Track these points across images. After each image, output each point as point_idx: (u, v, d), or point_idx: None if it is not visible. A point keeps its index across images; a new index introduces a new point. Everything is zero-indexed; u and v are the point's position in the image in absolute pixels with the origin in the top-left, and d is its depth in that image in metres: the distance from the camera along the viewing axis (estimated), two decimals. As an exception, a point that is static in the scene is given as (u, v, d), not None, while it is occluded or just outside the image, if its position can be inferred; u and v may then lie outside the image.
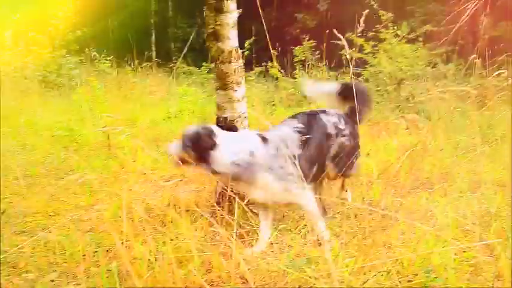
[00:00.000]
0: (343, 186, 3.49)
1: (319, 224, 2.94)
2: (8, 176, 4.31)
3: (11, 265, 2.67)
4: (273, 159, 2.90)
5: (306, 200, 2.97)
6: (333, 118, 3.26)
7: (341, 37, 3.75)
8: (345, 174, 3.31)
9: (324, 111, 3.32)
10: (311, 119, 3.20)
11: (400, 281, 2.23)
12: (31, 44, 9.71)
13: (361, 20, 6.14)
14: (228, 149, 2.84)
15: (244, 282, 2.42)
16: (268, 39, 4.17)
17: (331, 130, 3.20)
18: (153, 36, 15.07)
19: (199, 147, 2.84)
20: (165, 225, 2.88)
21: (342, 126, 3.25)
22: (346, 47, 3.78)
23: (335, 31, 3.93)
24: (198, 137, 2.85)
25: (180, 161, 2.89)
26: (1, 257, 2.69)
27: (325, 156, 3.18)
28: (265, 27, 4.00)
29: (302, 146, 3.02)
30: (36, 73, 8.95)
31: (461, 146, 5.05)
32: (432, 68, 8.13)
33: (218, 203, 3.31)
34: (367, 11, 6.22)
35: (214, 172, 2.87)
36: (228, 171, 2.84)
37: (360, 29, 6.11)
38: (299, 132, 3.06)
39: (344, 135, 3.24)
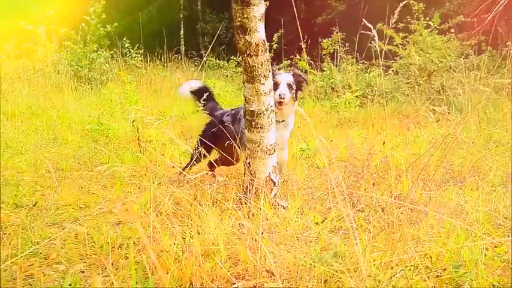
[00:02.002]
0: None
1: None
2: (41, 169, 4.41)
3: (43, 256, 2.72)
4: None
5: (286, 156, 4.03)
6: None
7: (371, 27, 3.74)
8: None
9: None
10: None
11: (428, 276, 2.20)
12: (63, 39, 9.87)
13: (396, 11, 6.05)
14: None
15: (270, 276, 2.42)
16: (300, 32, 4.19)
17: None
18: (182, 31, 15.14)
19: None
20: (192, 219, 2.90)
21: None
22: (376, 37, 3.82)
23: (365, 21, 3.90)
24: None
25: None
26: (33, 248, 2.75)
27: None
28: (297, 20, 4.03)
29: None
30: (69, 68, 9.10)
31: (494, 139, 4.94)
32: (464, 59, 7.96)
33: (245, 197, 3.32)
34: (404, 2, 6.13)
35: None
36: None
37: (393, 20, 6.00)
38: None
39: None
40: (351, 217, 2.40)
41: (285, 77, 3.82)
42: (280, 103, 3.70)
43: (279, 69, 4.05)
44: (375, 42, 3.69)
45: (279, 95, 3.68)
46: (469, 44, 8.31)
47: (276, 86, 3.68)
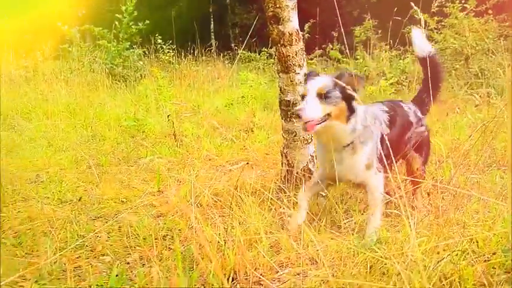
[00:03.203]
0: (415, 191, 3.16)
1: (377, 214, 2.73)
2: (82, 165, 4.50)
3: (89, 249, 2.79)
4: (366, 131, 2.73)
5: (377, 183, 2.78)
6: (412, 107, 3.19)
7: (418, 10, 3.58)
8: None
9: (400, 101, 3.29)
10: (394, 105, 3.11)
11: (476, 261, 2.15)
12: (97, 38, 10.03)
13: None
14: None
15: (313, 263, 2.41)
16: (339, 19, 4.16)
17: (412, 118, 3.12)
18: (212, 24, 15.19)
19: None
20: (232, 209, 2.92)
21: (420, 115, 3.18)
22: (422, 21, 3.60)
23: (412, 4, 3.77)
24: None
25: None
26: (79, 241, 2.82)
27: (405, 144, 3.07)
28: (336, 7, 3.99)
29: (389, 126, 2.90)
30: (103, 66, 9.25)
31: (538, 121, 4.80)
32: (504, 40, 7.74)
33: (284, 187, 3.32)
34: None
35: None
36: None
37: (435, 4, 5.85)
38: (386, 112, 2.96)
39: (422, 125, 3.18)
40: (399, 202, 2.36)
41: (317, 83, 2.67)
42: (307, 125, 2.59)
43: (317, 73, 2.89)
44: (419, 26, 3.49)
45: (297, 113, 2.60)
46: (509, 25, 8.07)
47: (303, 98, 2.71)
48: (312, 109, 2.57)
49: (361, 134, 2.73)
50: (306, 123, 2.57)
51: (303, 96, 2.70)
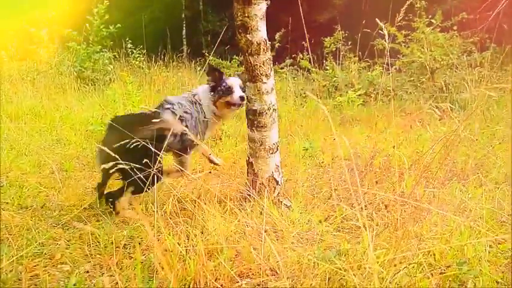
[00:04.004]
0: None
1: None
2: (45, 170, 4.42)
3: (48, 257, 2.73)
4: None
5: None
6: None
7: (382, 26, 3.68)
8: None
9: None
10: None
11: (432, 273, 2.20)
12: (67, 40, 9.88)
13: (402, 10, 6.01)
14: None
15: (274, 274, 2.42)
16: (306, 32, 4.22)
17: None
18: (184, 31, 15.14)
19: None
20: (195, 218, 2.91)
21: None
22: (386, 36, 3.72)
23: (377, 20, 3.86)
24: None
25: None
26: (38, 248, 2.77)
27: None
28: (302, 18, 4.03)
29: None
30: (72, 69, 9.12)
31: (498, 136, 4.94)
32: (467, 56, 7.95)
33: (248, 196, 3.33)
34: (409, 1, 6.10)
35: None
36: None
37: (399, 18, 5.98)
38: None
39: None
40: (359, 215, 2.39)
41: (237, 81, 3.84)
42: (240, 105, 3.77)
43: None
44: (385, 40, 3.62)
45: (240, 96, 3.73)
46: (472, 42, 8.29)
47: (230, 90, 3.78)
48: (243, 96, 3.64)
49: None
50: (240, 105, 3.74)
51: (229, 89, 3.78)
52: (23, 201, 3.60)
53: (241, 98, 3.71)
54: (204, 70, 8.77)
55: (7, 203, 3.56)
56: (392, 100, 7.11)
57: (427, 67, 7.84)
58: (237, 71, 10.26)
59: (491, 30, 7.99)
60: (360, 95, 7.77)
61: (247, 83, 3.42)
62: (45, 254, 2.76)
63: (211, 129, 4.00)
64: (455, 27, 8.28)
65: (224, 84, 3.82)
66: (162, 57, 10.61)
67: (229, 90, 3.78)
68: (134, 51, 10.32)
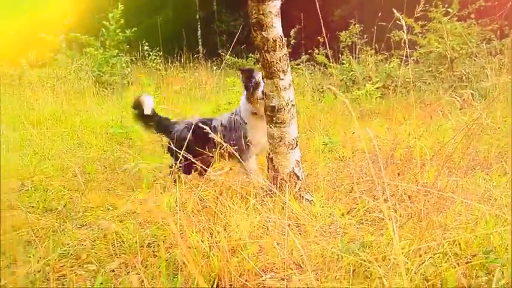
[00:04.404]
0: None
1: None
2: (68, 173, 4.48)
3: (74, 257, 2.77)
4: None
5: None
6: None
7: (400, 16, 3.66)
8: None
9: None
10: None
11: (458, 263, 2.17)
12: (84, 46, 10.01)
13: (422, 1, 5.96)
14: None
15: (298, 268, 2.42)
16: (323, 26, 4.23)
17: None
18: (199, 31, 15.21)
19: None
20: (217, 215, 2.93)
21: None
22: (404, 27, 3.75)
23: (395, 11, 3.84)
24: None
25: None
26: (64, 249, 2.81)
27: None
28: (319, 12, 4.04)
29: None
30: (90, 74, 9.23)
31: (521, 124, 4.86)
32: (486, 44, 7.83)
33: (269, 192, 3.33)
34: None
35: None
36: None
37: (419, 9, 5.92)
38: None
39: None
40: (383, 207, 2.38)
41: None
42: (262, 100, 3.74)
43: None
44: (402, 31, 3.60)
45: (262, 92, 3.68)
46: (491, 29, 8.16)
47: (257, 85, 3.81)
48: None
49: None
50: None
51: (257, 84, 3.82)
52: (47, 204, 3.66)
53: (264, 93, 3.70)
54: (221, 69, 8.82)
55: (32, 206, 3.62)
56: (411, 91, 7.05)
57: (446, 57, 7.75)
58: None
59: (510, 16, 7.87)
60: (377, 87, 7.71)
61: (265, 80, 3.42)
62: (71, 254, 2.79)
63: (257, 130, 3.90)
64: (472, 16, 8.17)
65: (253, 80, 3.90)
66: (179, 58, 10.68)
67: (257, 85, 3.83)
68: (151, 53, 10.39)
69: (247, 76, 3.99)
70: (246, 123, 4.01)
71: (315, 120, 6.07)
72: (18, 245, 2.85)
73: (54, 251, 2.74)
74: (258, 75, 3.82)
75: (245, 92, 4.03)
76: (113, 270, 2.62)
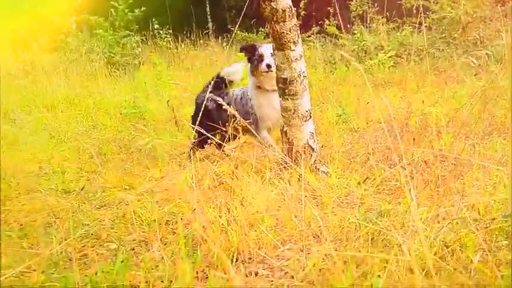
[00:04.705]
0: None
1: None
2: (84, 155, 4.52)
3: (94, 237, 2.81)
4: None
5: None
6: None
7: None
8: None
9: None
10: None
11: (477, 228, 2.16)
12: (94, 28, 9.98)
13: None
14: None
15: (316, 239, 2.43)
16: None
17: None
18: (208, 7, 15.07)
19: None
20: (234, 190, 2.94)
21: None
22: None
23: None
24: None
25: None
26: (84, 230, 2.85)
27: None
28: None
29: None
30: (101, 55, 9.23)
31: (538, 86, 4.77)
32: (501, 6, 7.65)
33: (285, 163, 3.32)
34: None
35: None
36: None
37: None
38: None
39: None
40: (400, 174, 2.36)
41: (268, 47, 3.81)
42: (267, 72, 3.82)
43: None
44: None
45: (266, 64, 3.80)
46: (506, -10, 7.97)
47: (261, 58, 3.86)
48: (273, 63, 3.59)
49: None
50: (267, 72, 3.80)
51: (260, 57, 3.87)
52: (66, 186, 3.70)
53: (268, 66, 3.78)
54: (231, 45, 8.76)
55: (51, 188, 3.67)
56: (425, 59, 6.95)
57: (459, 22, 7.60)
58: (264, 43, 10.19)
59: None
60: (390, 56, 7.61)
61: (275, 52, 3.39)
62: (92, 234, 2.84)
63: (262, 105, 3.97)
64: (486, -23, 7.97)
65: (257, 52, 3.93)
66: (189, 35, 10.61)
67: (261, 58, 3.87)
68: (161, 32, 10.34)
69: (251, 51, 4.01)
70: (252, 99, 4.06)
71: (327, 92, 6.02)
72: (40, 227, 2.90)
73: (75, 232, 2.78)
74: (262, 48, 3.91)
75: (249, 65, 4.04)
76: (133, 249, 2.66)
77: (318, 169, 3.44)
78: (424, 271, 1.80)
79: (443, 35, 7.97)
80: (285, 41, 3.29)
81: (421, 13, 6.95)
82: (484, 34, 7.31)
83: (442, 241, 2.08)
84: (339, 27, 8.95)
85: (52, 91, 7.11)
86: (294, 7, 3.36)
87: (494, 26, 7.30)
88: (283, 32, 3.27)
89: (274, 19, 3.26)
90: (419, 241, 1.94)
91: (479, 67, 5.39)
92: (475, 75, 5.56)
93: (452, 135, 3.31)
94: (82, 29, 10.54)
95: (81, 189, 3.54)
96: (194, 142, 4.16)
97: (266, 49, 3.86)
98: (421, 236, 1.81)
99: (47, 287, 2.17)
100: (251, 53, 4.00)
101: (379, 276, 1.90)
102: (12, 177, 3.83)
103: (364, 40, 8.60)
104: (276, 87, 3.58)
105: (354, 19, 9.19)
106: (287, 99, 3.40)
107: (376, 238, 2.22)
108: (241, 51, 4.19)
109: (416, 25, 6.99)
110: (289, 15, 3.27)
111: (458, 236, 2.08)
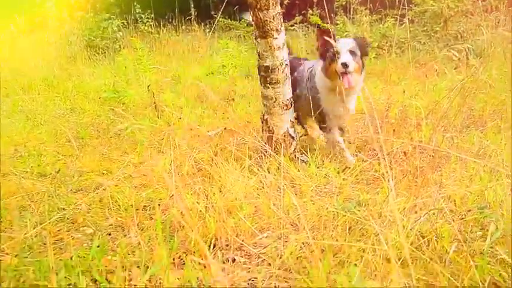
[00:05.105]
0: None
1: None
2: (61, 139, 4.45)
3: (70, 221, 2.78)
4: None
5: None
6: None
7: None
8: None
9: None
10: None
11: (453, 219, 2.18)
12: (74, 10, 9.83)
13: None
14: None
15: (294, 227, 2.43)
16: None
17: None
18: (191, -7, 14.93)
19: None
20: (213, 177, 2.93)
21: None
22: None
23: None
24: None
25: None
26: (60, 214, 2.81)
27: None
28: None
29: None
30: (82, 38, 9.09)
31: (516, 81, 4.83)
32: (482, 1, 7.72)
33: (264, 153, 3.31)
34: None
35: None
36: None
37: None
38: None
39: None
40: (381, 164, 2.37)
41: (346, 43, 3.34)
42: (344, 73, 3.26)
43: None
44: None
45: (342, 63, 3.22)
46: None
47: (336, 55, 3.28)
48: (351, 60, 3.23)
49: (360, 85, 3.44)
50: (344, 72, 3.25)
51: (335, 54, 3.28)
52: (42, 169, 3.64)
53: (344, 65, 3.23)
54: (213, 31, 8.68)
55: (27, 172, 3.61)
56: (406, 51, 6.99)
57: (441, 15, 7.64)
58: (246, 31, 10.13)
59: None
60: (372, 48, 7.63)
61: (258, 40, 3.36)
62: (68, 218, 2.80)
63: (333, 105, 3.48)
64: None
65: (331, 49, 3.33)
66: (171, 21, 10.50)
67: (335, 56, 3.31)
68: (143, 16, 10.21)
69: (324, 42, 3.37)
70: (319, 94, 3.54)
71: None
72: (14, 210, 2.85)
73: (50, 216, 2.74)
74: (338, 44, 3.33)
75: (320, 60, 3.53)
76: (109, 234, 2.63)
77: (298, 158, 3.44)
78: (401, 260, 1.81)
79: (425, 28, 8.01)
80: (268, 29, 3.27)
81: (404, 5, 6.97)
82: (465, 28, 7.38)
83: (419, 231, 2.10)
84: (322, 17, 8.94)
85: (30, 73, 6.99)
86: (279, -4, 3.34)
87: (475, 21, 7.36)
88: (267, 20, 3.25)
89: (258, 6, 3.23)
90: (397, 231, 1.95)
91: (459, 61, 5.43)
92: (455, 69, 5.61)
93: (431, 127, 3.34)
94: (62, 11, 10.36)
95: (57, 172, 3.50)
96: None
97: (344, 45, 3.31)
98: (399, 226, 1.82)
99: (21, 271, 2.13)
100: (323, 46, 3.42)
101: (355, 265, 1.91)
102: (-13, 159, 3.76)
103: (346, 31, 8.60)
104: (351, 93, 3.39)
105: (337, 9, 9.19)
106: (268, 87, 3.39)
107: (353, 227, 2.24)
108: (317, 33, 3.52)
109: (399, 17, 6.99)
110: (272, 3, 3.24)
111: (434, 227, 2.11)
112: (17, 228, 2.64)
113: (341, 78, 3.28)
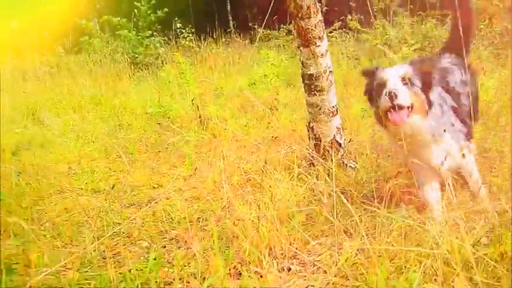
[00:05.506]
0: None
1: (483, 191, 2.54)
2: (111, 154, 4.57)
3: (126, 235, 2.85)
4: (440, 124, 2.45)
5: (472, 163, 2.55)
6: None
7: None
8: None
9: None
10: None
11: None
12: (117, 29, 10.09)
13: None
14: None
15: (347, 234, 2.42)
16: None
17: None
18: (229, 6, 15.09)
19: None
20: (263, 187, 2.94)
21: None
22: None
23: None
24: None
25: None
26: (116, 228, 2.89)
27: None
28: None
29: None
30: (125, 56, 9.33)
31: None
32: (528, -4, 7.51)
33: (313, 158, 3.30)
34: None
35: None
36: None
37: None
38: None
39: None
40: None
41: (396, 69, 2.47)
42: (392, 108, 2.34)
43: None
44: None
45: (387, 92, 2.32)
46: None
47: (382, 86, 2.40)
48: (404, 93, 2.31)
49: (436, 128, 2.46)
50: (390, 113, 2.34)
51: (380, 86, 2.40)
52: (95, 185, 3.76)
53: (390, 96, 2.31)
54: (254, 42, 8.74)
55: (81, 188, 3.73)
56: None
57: (485, 12, 7.46)
58: (286, 40, 10.16)
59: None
60: (414, 50, 7.51)
61: (301, 48, 3.38)
62: (123, 232, 2.88)
63: (405, 160, 2.75)
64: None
65: (376, 80, 2.50)
66: (211, 34, 10.64)
67: (381, 88, 2.41)
68: (183, 31, 10.39)
69: (369, 75, 2.61)
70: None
71: (352, 88, 5.97)
72: (72, 226, 2.95)
73: (106, 231, 2.82)
74: (383, 73, 2.46)
75: (369, 104, 2.70)
76: (164, 246, 2.69)
77: (346, 164, 3.42)
78: (462, 263, 1.78)
79: (469, 27, 7.83)
80: (310, 37, 3.28)
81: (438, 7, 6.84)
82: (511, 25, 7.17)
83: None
84: (361, 22, 8.88)
85: (78, 92, 7.21)
86: (318, 3, 3.35)
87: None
88: (309, 28, 3.26)
89: (299, 15, 3.25)
90: (459, 233, 1.91)
91: (506, 58, 5.28)
92: (502, 66, 5.45)
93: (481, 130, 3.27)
94: (105, 31, 10.66)
95: (112, 188, 3.59)
96: None
97: (390, 73, 2.42)
98: (461, 229, 1.79)
99: (83, 285, 2.20)
100: (369, 79, 2.60)
101: (414, 271, 1.88)
102: (44, 177, 3.89)
103: (387, 34, 8.50)
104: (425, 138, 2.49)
105: (376, 13, 9.10)
106: (314, 95, 3.39)
107: (409, 233, 2.21)
108: (364, 75, 2.70)
109: (441, 17, 6.88)
110: (313, 11, 3.26)
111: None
112: (76, 243, 2.74)
113: (389, 115, 2.38)
